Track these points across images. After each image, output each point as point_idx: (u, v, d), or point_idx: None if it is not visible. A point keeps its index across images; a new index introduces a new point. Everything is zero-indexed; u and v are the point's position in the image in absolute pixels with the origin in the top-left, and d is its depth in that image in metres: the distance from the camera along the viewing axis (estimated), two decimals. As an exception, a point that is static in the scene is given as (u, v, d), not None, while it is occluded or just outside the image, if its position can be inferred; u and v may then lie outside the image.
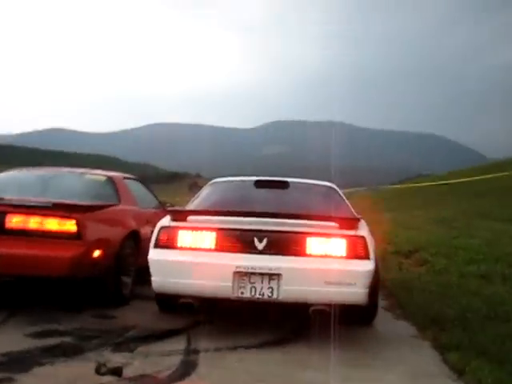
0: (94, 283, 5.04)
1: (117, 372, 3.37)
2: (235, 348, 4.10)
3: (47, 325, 4.48)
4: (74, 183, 5.92)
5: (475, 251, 9.19)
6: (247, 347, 4.14)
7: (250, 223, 4.21)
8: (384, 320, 5.21)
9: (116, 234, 5.21)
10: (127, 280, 5.41)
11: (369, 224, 4.81)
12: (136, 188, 6.57)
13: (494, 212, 15.72)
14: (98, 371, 3.38)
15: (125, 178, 6.48)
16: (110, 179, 6.07)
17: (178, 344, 4.13)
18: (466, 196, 22.02)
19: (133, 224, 5.59)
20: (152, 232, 4.46)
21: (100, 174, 6.26)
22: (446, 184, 27.94)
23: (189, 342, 4.18)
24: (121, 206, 5.59)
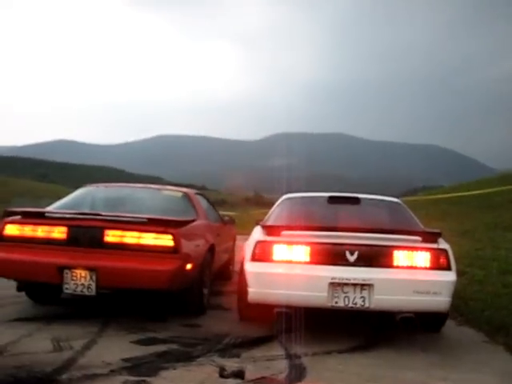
0: (181, 294, 5.32)
1: (239, 375, 3.68)
2: (330, 352, 4.42)
3: (145, 333, 4.77)
4: (154, 199, 6.27)
5: (506, 262, 9.58)
6: (340, 352, 4.47)
7: (342, 237, 4.61)
8: (449, 326, 5.51)
9: (201, 247, 5.54)
10: (205, 291, 5.73)
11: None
12: (203, 203, 6.91)
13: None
14: (221, 374, 3.69)
15: (196, 193, 6.84)
16: (186, 195, 6.42)
17: (276, 350, 4.45)
18: (481, 208, 22.30)
19: (211, 237, 5.94)
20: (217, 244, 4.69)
21: (175, 190, 6.62)
22: (460, 196, 28.13)
23: (285, 348, 4.48)
24: (200, 221, 5.92)
